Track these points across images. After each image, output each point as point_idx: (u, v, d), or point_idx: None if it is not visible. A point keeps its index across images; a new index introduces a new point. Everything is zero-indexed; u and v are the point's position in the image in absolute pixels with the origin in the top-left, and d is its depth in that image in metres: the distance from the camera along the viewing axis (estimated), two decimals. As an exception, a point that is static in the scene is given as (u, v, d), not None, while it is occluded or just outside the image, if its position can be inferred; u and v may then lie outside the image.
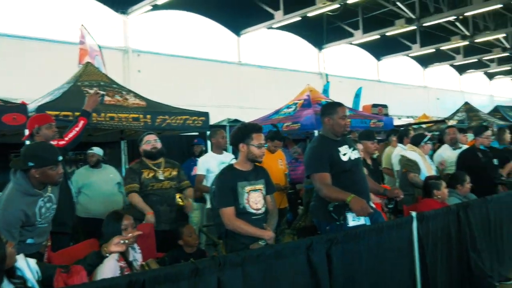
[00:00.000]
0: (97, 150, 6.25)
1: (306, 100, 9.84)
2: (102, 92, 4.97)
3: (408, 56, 28.94)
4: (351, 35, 22.89)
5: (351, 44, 24.64)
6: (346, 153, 3.94)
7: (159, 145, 4.80)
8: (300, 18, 18.90)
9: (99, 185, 6.00)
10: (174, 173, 4.84)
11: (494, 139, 7.88)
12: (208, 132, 6.76)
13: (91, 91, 4.92)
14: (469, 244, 4.71)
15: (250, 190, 3.64)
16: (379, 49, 26.52)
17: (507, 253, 5.54)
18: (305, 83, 11.35)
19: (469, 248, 4.69)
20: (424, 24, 21.55)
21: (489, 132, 6.43)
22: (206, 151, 7.49)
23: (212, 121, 8.13)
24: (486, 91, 38.19)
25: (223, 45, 20.19)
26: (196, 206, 6.35)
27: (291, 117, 9.48)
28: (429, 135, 6.20)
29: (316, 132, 8.35)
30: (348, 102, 14.49)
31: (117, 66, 15.83)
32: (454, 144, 6.74)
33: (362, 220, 3.78)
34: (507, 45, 26.94)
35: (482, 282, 4.60)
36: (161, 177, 4.71)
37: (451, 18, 21.52)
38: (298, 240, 4.14)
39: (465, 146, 6.86)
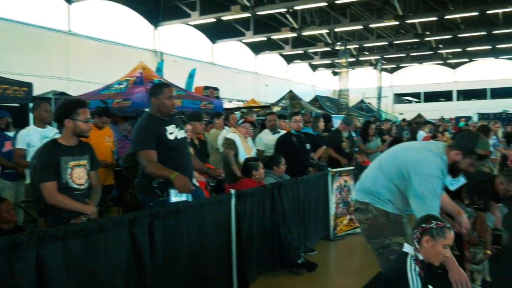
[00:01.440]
0: None
1: (138, 78, 9.78)
2: None
3: (241, 42, 30.09)
4: (188, 15, 23.05)
5: (187, 24, 24.82)
6: (173, 132, 4.10)
7: None
8: (136, -8, 18.55)
9: None
10: None
11: (309, 126, 8.74)
12: (31, 104, 6.36)
13: None
14: (280, 220, 5.24)
15: (73, 165, 3.60)
16: (215, 32, 27.14)
17: (313, 228, 6.27)
18: (138, 59, 11.27)
19: (281, 223, 5.22)
20: (258, 13, 22.58)
21: (297, 117, 7.06)
22: (19, 124, 6.93)
23: (36, 92, 7.68)
24: (309, 81, 41.42)
25: (51, 11, 18.84)
26: (9, 184, 5.96)
27: (122, 93, 9.35)
28: (243, 118, 6.69)
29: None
30: (182, 82, 14.70)
31: None
32: (273, 129, 7.31)
33: (184, 197, 3.98)
34: (329, 41, 29.51)
35: (290, 253, 5.15)
36: None
37: (282, 10, 22.90)
38: (121, 215, 4.22)
39: (284, 131, 7.48)
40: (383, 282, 2.60)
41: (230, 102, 24.30)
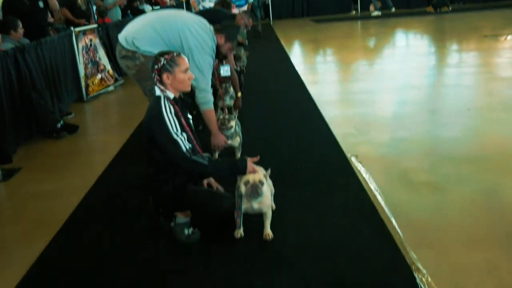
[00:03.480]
0: None
1: None
2: None
3: None
4: None
5: None
6: None
7: None
8: None
9: None
10: None
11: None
12: None
13: None
14: (30, 86, 4.91)
15: None
16: None
17: (64, 91, 6.06)
18: None
19: (31, 89, 4.90)
20: None
21: None
22: None
23: None
24: None
25: None
26: None
27: None
28: None
29: None
30: None
31: None
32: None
33: None
34: None
35: (46, 119, 4.94)
36: None
37: None
38: None
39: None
40: (145, 127, 2.57)
41: None
